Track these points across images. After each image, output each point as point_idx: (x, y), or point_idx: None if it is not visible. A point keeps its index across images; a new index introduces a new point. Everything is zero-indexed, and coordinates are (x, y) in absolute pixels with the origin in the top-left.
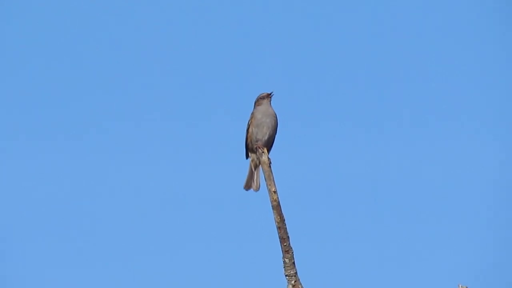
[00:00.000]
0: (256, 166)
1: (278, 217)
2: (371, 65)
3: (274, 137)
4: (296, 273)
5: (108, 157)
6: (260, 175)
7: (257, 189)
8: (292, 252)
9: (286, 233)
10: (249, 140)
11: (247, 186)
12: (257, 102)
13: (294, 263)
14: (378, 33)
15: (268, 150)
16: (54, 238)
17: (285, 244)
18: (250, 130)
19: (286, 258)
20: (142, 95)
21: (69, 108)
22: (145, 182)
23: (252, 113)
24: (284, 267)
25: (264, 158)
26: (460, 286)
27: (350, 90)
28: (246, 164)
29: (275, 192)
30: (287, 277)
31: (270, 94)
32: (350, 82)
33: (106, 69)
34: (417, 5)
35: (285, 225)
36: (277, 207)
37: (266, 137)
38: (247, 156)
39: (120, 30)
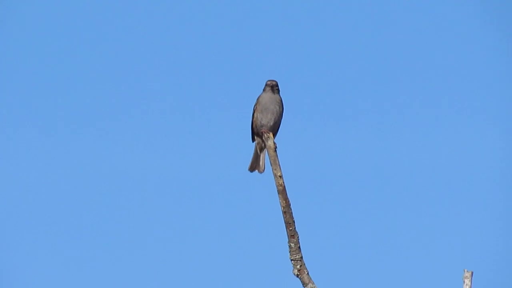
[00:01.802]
0: (261, 149)
1: (284, 201)
2: (383, 51)
3: (280, 122)
4: (301, 257)
5: (110, 143)
6: (265, 157)
7: (262, 171)
8: (298, 237)
9: (292, 217)
10: (254, 125)
11: (252, 168)
12: (265, 87)
13: (299, 247)
14: (378, 33)
15: (274, 135)
16: (51, 236)
17: (290, 228)
18: (255, 115)
19: (292, 243)
20: (144, 84)
21: (69, 105)
22: (151, 167)
23: (258, 99)
24: (289, 252)
25: (270, 143)
26: (465, 271)
27: (360, 76)
28: (250, 147)
29: (280, 176)
30: (292, 261)
31: (276, 84)
32: (359, 69)
33: (102, 66)
34: (416, 8)
35: (291, 209)
36: (282, 192)
37: (271, 123)
38: (253, 140)
39: (118, 29)
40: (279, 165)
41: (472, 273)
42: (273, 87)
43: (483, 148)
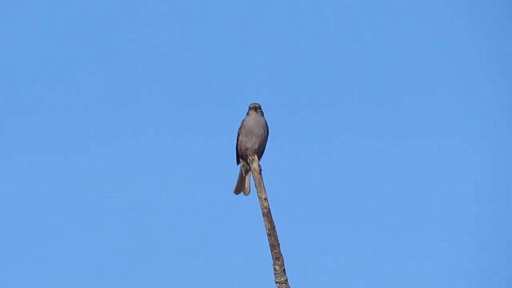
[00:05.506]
0: (246, 172)
1: (269, 224)
2: (363, 73)
3: (265, 145)
4: (286, 280)
5: (96, 166)
6: (250, 180)
7: (248, 193)
8: (283, 259)
9: (277, 240)
10: (239, 148)
11: (237, 191)
12: (249, 111)
13: (284, 270)
14: (360, 55)
15: (259, 157)
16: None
17: (275, 251)
18: (239, 138)
19: (277, 265)
20: (128, 108)
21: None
22: (135, 192)
23: (242, 122)
24: (274, 274)
25: (255, 165)
26: None
27: (342, 99)
28: (235, 169)
29: (265, 199)
30: (277, 284)
31: (259, 106)
32: (341, 91)
33: (82, 87)
34: (408, 22)
35: (276, 232)
36: (267, 214)
37: (256, 146)
38: (238, 162)
39: (103, 49)
40: (264, 187)
41: None
42: (256, 109)
43: (472, 165)
